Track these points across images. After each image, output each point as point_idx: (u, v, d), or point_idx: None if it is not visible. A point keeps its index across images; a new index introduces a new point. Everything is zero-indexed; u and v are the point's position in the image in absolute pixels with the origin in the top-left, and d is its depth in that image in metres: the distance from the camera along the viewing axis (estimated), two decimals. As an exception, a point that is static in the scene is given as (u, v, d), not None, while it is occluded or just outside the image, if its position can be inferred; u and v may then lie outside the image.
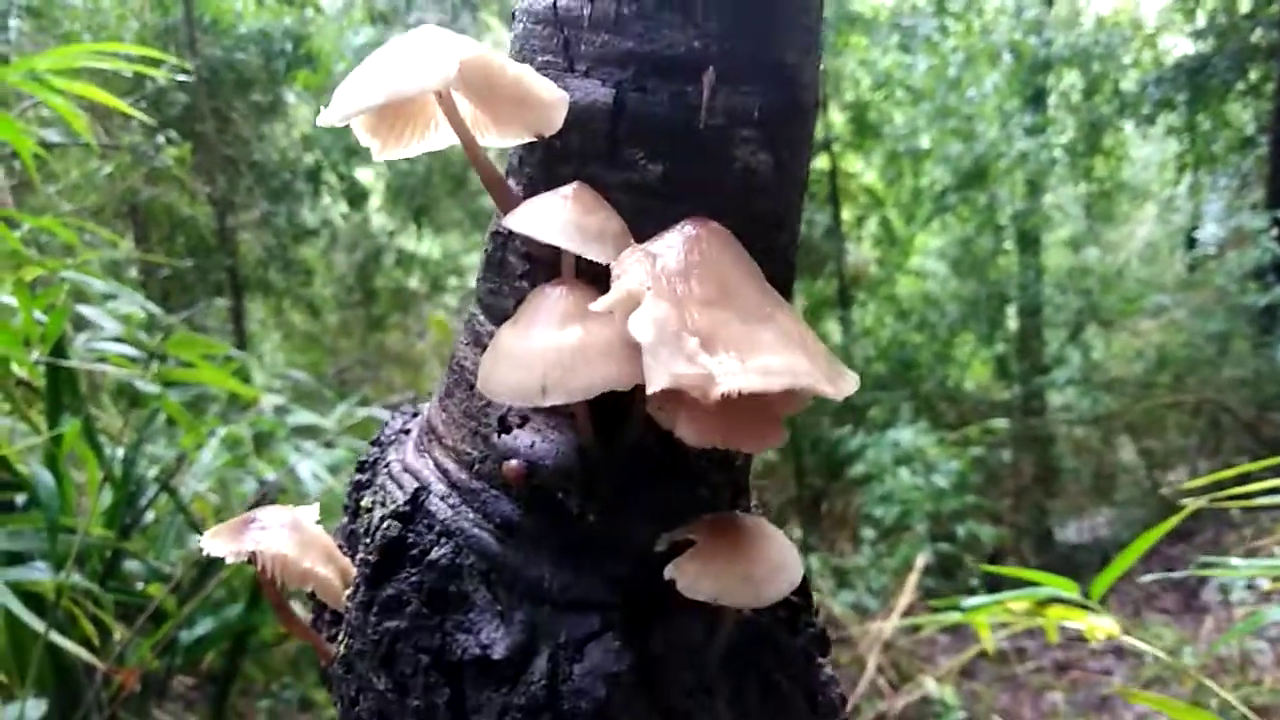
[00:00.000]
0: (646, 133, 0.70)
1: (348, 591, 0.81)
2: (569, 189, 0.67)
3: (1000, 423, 6.95)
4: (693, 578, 0.66)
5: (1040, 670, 5.48)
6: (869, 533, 6.44)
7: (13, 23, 6.99)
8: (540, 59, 0.73)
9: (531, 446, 0.72)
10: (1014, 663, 5.41)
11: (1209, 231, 8.28)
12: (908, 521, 6.29)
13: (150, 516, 3.20)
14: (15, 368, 2.85)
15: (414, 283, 9.49)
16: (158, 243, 8.34)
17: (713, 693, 0.73)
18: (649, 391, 0.55)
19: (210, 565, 2.84)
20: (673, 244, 0.61)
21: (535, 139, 0.72)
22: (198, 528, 3.26)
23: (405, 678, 0.74)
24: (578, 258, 0.65)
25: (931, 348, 8.21)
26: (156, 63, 3.45)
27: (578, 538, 0.73)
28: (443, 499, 0.77)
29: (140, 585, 2.91)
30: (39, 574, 2.37)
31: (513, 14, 0.79)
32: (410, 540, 0.75)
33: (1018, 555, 7.80)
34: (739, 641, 0.74)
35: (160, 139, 6.75)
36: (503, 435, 0.74)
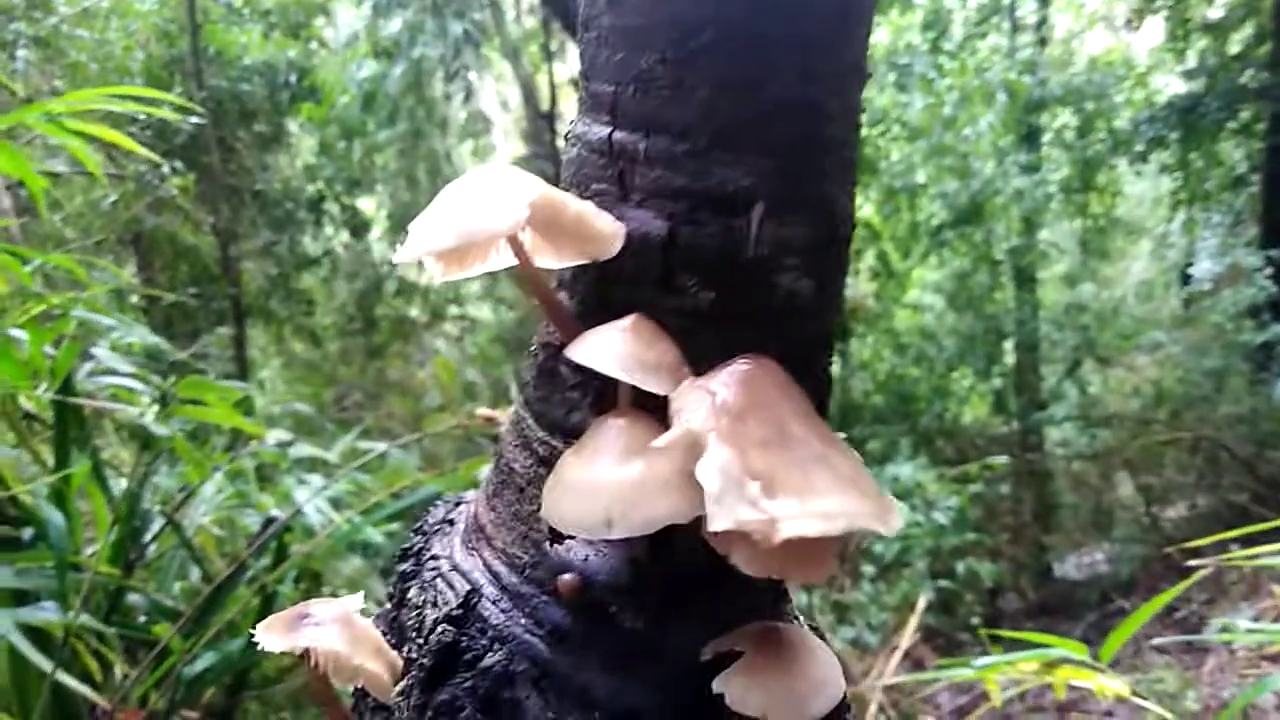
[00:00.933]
0: (698, 262, 0.73)
1: (398, 687, 0.84)
2: (628, 322, 0.70)
3: (1000, 460, 6.99)
4: (741, 692, 0.69)
5: (1040, 710, 5.48)
6: (869, 568, 6.44)
7: (20, 53, 7.05)
8: (595, 186, 0.77)
9: (585, 560, 0.75)
10: (1016, 704, 5.40)
11: (1204, 268, 8.36)
12: (907, 558, 6.31)
13: (153, 548, 3.21)
14: (23, 400, 2.88)
15: (415, 312, 9.54)
16: (160, 270, 8.38)
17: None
18: (711, 530, 0.58)
19: (213, 600, 2.86)
20: (730, 381, 0.65)
21: (589, 262, 0.76)
22: (200, 561, 3.28)
23: (458, 779, 0.76)
24: (635, 387, 0.68)
25: (929, 381, 8.28)
26: (166, 100, 3.52)
27: (626, 645, 0.76)
28: (494, 603, 0.80)
29: (143, 619, 2.92)
30: (49, 614, 2.39)
31: (566, 136, 0.83)
32: (464, 644, 0.78)
33: (1018, 591, 7.81)
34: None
35: (165, 169, 6.79)
36: (555, 546, 0.77)
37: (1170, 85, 10.12)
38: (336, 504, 3.74)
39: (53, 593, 2.43)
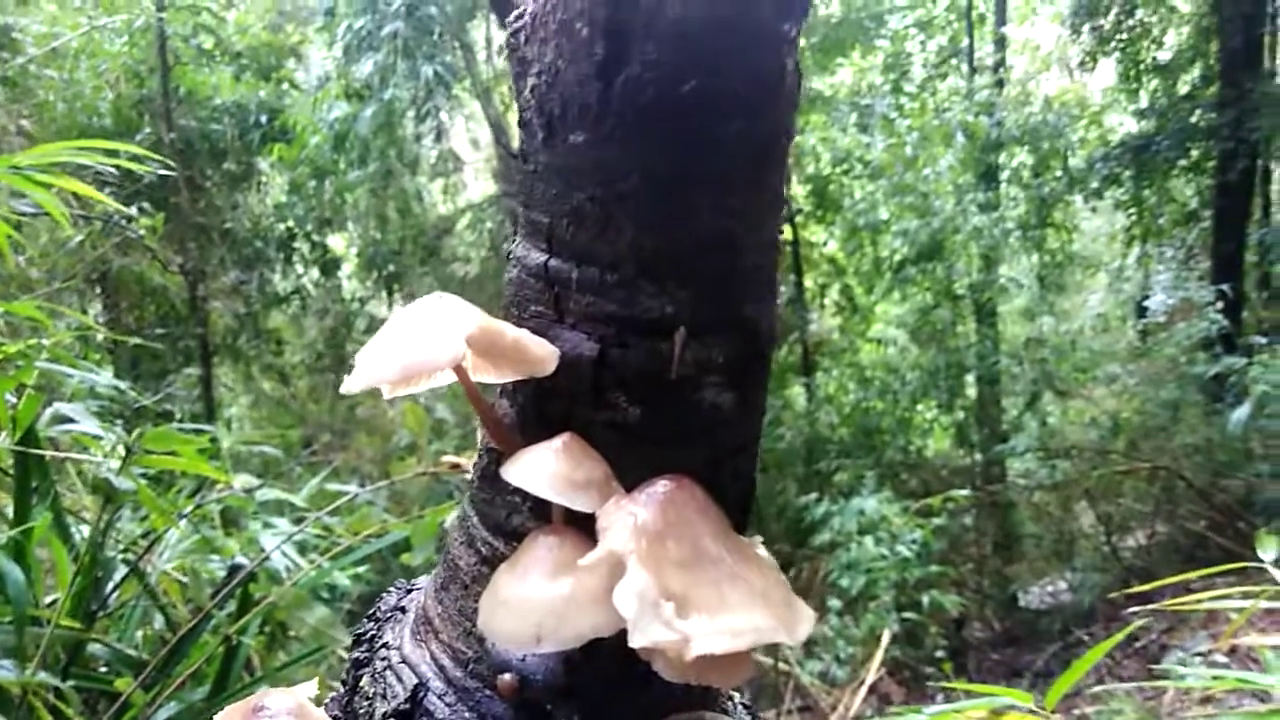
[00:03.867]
0: (626, 380, 0.80)
1: (349, 778, 0.88)
2: (559, 442, 0.76)
3: (962, 493, 7.11)
4: (667, 784, 0.75)
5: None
6: (835, 602, 6.51)
7: (-14, 92, 7.02)
8: (533, 308, 0.84)
9: (523, 660, 0.80)
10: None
11: (1158, 301, 8.60)
12: (873, 590, 6.38)
13: (116, 596, 3.19)
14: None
15: (384, 348, 9.50)
16: (128, 310, 8.33)
17: None
18: (630, 646, 0.64)
19: (177, 650, 2.84)
20: (650, 503, 0.71)
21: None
22: (164, 609, 3.26)
23: None
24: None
25: (893, 415, 8.41)
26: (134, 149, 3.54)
27: (564, 738, 0.81)
28: (440, 697, 0.85)
29: (103, 669, 2.90)
30: (6, 673, 2.37)
31: (508, 255, 0.89)
32: (411, 739, 0.83)
33: (983, 621, 7.91)
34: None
35: (133, 209, 6.77)
36: (496, 645, 0.82)
37: (1123, 124, 10.47)
38: (303, 549, 3.74)
39: (10, 649, 2.42)
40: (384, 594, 1.06)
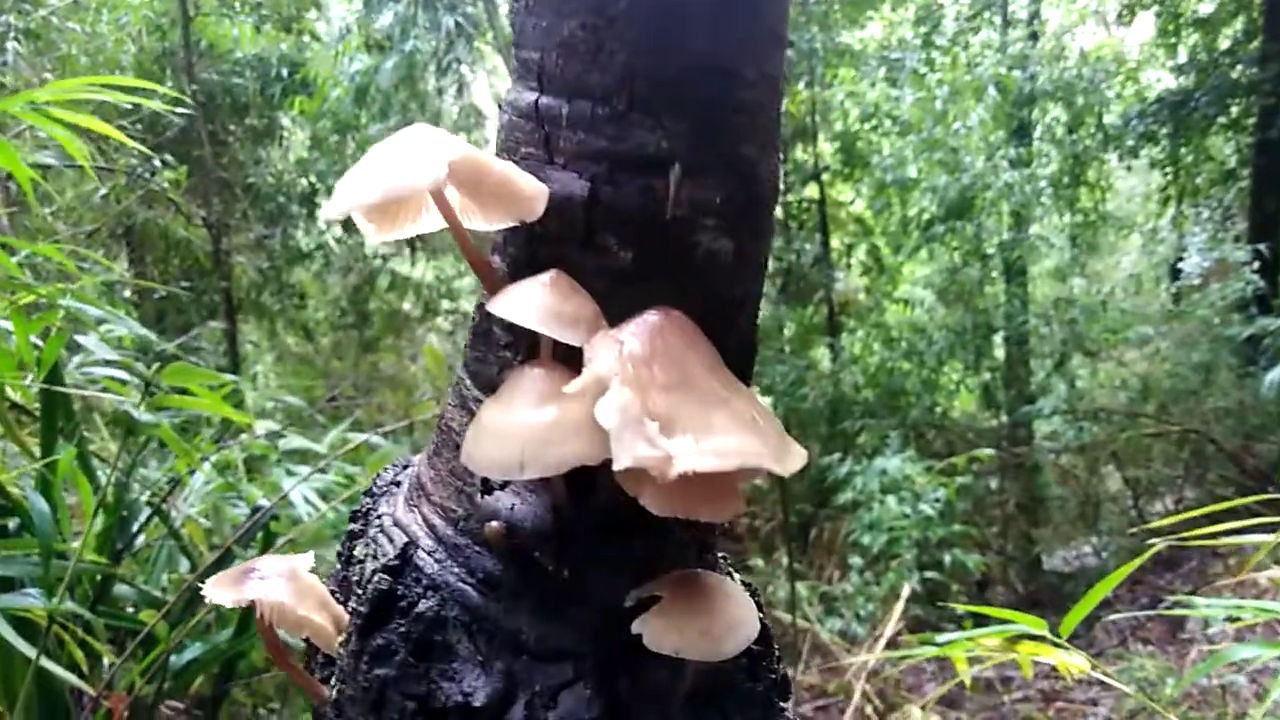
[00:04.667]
0: (618, 222, 0.76)
1: (340, 638, 0.87)
2: (547, 276, 0.73)
3: (987, 452, 7.03)
4: (657, 633, 0.72)
5: (1026, 700, 5.51)
6: (857, 560, 6.48)
7: (9, 45, 7.05)
8: (523, 150, 0.80)
9: (511, 509, 0.78)
10: (1000, 693, 5.44)
11: (1193, 262, 8.39)
12: (895, 549, 6.34)
13: (141, 539, 3.23)
14: (9, 391, 2.90)
15: (407, 305, 9.56)
16: (152, 264, 8.39)
17: (678, 736, 0.79)
18: (614, 469, 0.61)
19: (199, 589, 2.88)
20: (638, 331, 0.68)
21: (518, 224, 0.78)
22: (188, 552, 3.30)
23: (392, 721, 0.79)
24: (555, 340, 0.71)
25: (919, 375, 8.30)
26: (156, 91, 3.54)
27: (553, 591, 0.79)
28: (430, 554, 0.83)
29: (130, 610, 2.94)
30: (32, 600, 2.41)
31: (499, 104, 0.86)
32: (399, 592, 0.81)
33: (1006, 584, 7.85)
34: (702, 688, 0.80)
35: (156, 162, 6.80)
36: (485, 496, 0.80)
37: (1161, 80, 10.17)
38: (325, 496, 3.77)
39: (37, 580, 2.45)
40: (381, 472, 1.04)
